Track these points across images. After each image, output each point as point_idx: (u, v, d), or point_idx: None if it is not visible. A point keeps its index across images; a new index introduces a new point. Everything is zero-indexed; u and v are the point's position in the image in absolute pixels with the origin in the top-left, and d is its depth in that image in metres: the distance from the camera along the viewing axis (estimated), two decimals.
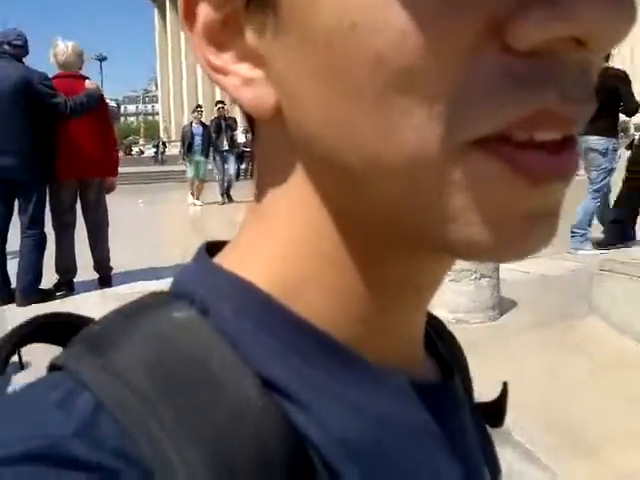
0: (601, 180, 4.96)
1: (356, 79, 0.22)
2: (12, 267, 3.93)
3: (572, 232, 4.97)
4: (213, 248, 0.31)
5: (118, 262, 4.53)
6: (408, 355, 0.30)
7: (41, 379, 0.24)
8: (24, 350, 0.29)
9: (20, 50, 3.90)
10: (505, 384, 0.38)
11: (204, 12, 0.25)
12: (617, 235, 5.09)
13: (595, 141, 4.78)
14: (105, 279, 4.35)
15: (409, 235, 0.24)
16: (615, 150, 4.94)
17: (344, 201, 0.25)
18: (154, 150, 31.13)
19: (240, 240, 0.29)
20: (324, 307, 0.27)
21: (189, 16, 0.25)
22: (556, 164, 0.22)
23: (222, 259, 0.29)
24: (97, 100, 4.03)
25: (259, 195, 0.29)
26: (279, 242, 0.27)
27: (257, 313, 0.26)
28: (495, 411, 0.37)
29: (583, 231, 5.01)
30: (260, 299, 0.27)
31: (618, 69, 4.90)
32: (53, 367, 0.25)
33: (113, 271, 4.44)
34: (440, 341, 0.36)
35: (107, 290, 4.12)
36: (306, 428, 0.24)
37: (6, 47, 3.83)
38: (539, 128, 0.22)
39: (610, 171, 4.96)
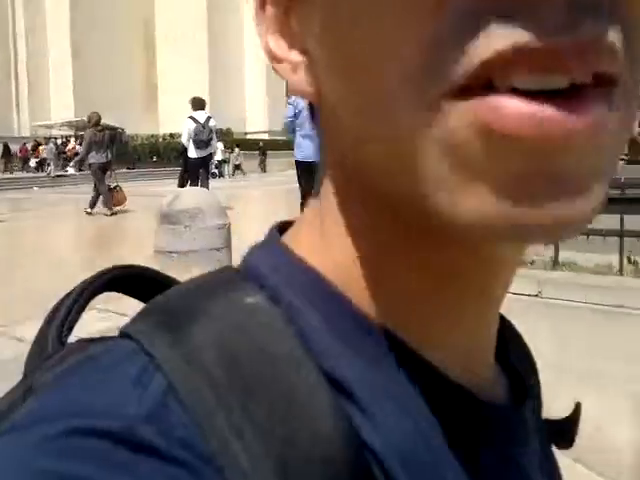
0: None
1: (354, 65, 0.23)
2: None
3: None
4: (282, 228, 0.31)
5: None
6: (476, 367, 0.29)
7: (116, 345, 0.25)
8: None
9: None
10: (578, 404, 0.36)
11: (270, 3, 0.27)
12: None
13: None
14: None
15: (418, 215, 0.23)
16: None
17: (377, 191, 0.25)
18: None
19: (303, 225, 0.30)
20: (383, 305, 0.27)
21: (261, 7, 0.28)
22: (554, 116, 0.19)
23: (291, 242, 0.29)
24: None
25: (321, 183, 0.29)
26: (334, 234, 0.28)
27: (326, 307, 0.26)
28: (565, 431, 0.35)
29: None
30: (330, 293, 0.27)
31: None
32: (125, 334, 0.25)
33: None
34: (511, 348, 0.34)
35: None
36: (368, 434, 0.24)
37: None
38: (519, 70, 0.19)
39: None
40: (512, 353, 0.34)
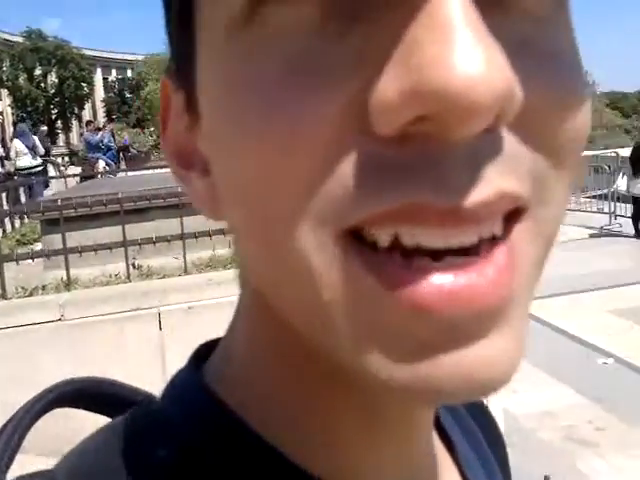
0: None
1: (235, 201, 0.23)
2: None
3: None
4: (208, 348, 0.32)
5: None
6: None
7: None
8: None
9: None
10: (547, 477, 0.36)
11: (170, 124, 0.28)
12: None
13: None
14: None
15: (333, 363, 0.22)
16: None
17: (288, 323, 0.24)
18: None
19: (226, 353, 0.30)
20: (291, 436, 0.27)
21: (163, 129, 0.28)
22: (447, 289, 0.18)
23: (210, 368, 0.30)
24: None
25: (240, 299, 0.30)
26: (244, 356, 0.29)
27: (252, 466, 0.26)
28: None
29: None
30: (255, 448, 0.26)
31: None
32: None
33: None
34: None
35: None
36: None
37: None
38: (421, 225, 0.19)
39: None
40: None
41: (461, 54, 0.17)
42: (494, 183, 0.19)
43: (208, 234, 3.46)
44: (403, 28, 0.18)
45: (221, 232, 3.29)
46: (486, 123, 0.18)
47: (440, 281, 0.19)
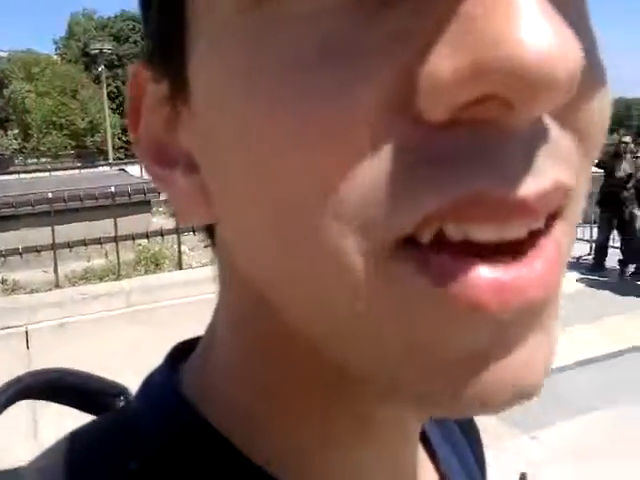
0: None
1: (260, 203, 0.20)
2: None
3: None
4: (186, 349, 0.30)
5: None
6: None
7: None
8: None
9: None
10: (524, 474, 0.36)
11: (145, 117, 0.25)
12: None
13: None
14: None
15: (340, 375, 0.21)
16: None
17: (279, 326, 0.22)
18: None
19: (203, 346, 0.29)
20: (269, 441, 0.25)
21: (133, 126, 0.25)
22: (502, 284, 0.17)
23: (188, 372, 0.28)
24: None
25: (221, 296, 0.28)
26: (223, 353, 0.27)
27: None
28: None
29: None
30: (229, 456, 0.25)
31: None
32: None
33: None
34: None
35: None
36: None
37: None
38: (473, 220, 0.17)
39: None
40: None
41: (530, 27, 0.15)
42: (550, 173, 0.17)
43: (83, 243, 3.24)
44: (455, 2, 0.16)
45: (98, 242, 3.09)
46: (557, 102, 0.16)
47: (493, 275, 0.17)
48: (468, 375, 0.18)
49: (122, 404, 0.32)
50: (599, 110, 0.19)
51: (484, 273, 0.17)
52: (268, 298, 0.22)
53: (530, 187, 0.17)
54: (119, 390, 0.33)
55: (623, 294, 5.12)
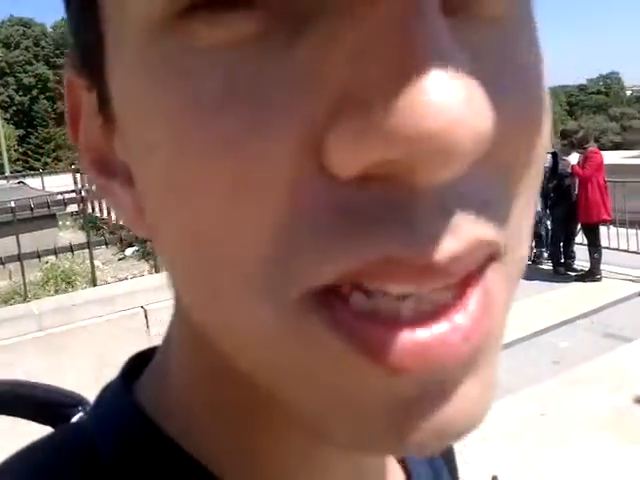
0: None
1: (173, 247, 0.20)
2: None
3: None
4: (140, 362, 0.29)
5: None
6: None
7: None
8: None
9: None
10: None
11: (83, 125, 0.24)
12: None
13: None
14: None
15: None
16: None
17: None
18: None
19: (158, 361, 0.28)
20: (222, 465, 0.24)
21: (73, 133, 0.24)
22: (419, 346, 0.17)
23: (143, 386, 0.28)
24: None
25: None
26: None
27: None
28: None
29: None
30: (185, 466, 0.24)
31: None
32: None
33: None
34: None
35: None
36: None
37: None
38: (387, 279, 0.17)
39: None
40: None
41: (434, 88, 0.14)
42: (467, 232, 0.17)
43: None
44: (356, 48, 0.15)
45: None
46: (462, 168, 0.15)
47: (411, 338, 0.17)
48: (392, 427, 0.18)
49: (80, 414, 0.32)
50: (532, 151, 0.18)
51: (406, 337, 0.17)
52: (200, 328, 0.22)
53: (443, 250, 0.16)
54: (76, 400, 0.32)
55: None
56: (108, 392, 0.28)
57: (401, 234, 0.16)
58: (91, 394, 0.31)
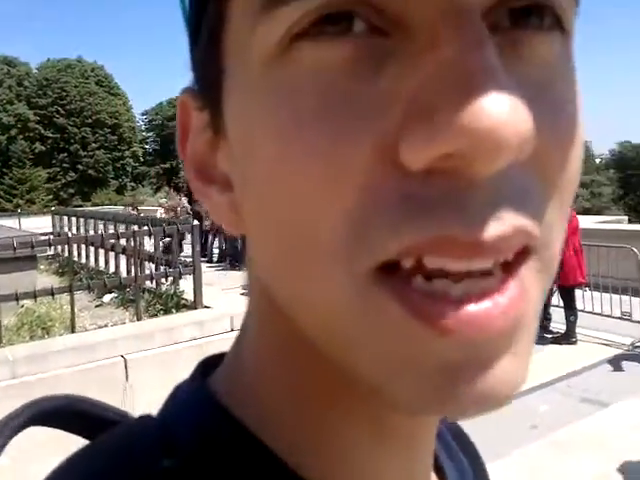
0: None
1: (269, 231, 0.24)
2: None
3: None
4: (214, 362, 0.32)
5: None
6: None
7: None
8: None
9: None
10: None
11: (191, 140, 0.28)
12: None
13: None
14: None
15: (350, 379, 0.23)
16: None
17: (296, 332, 0.25)
18: None
19: (234, 365, 0.30)
20: (295, 447, 0.27)
21: (182, 145, 0.29)
22: (467, 315, 0.20)
23: (221, 386, 0.29)
24: None
25: (250, 309, 0.30)
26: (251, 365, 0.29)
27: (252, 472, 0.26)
28: None
29: None
30: (258, 456, 0.26)
31: None
32: None
33: None
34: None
35: None
36: None
37: None
38: (445, 254, 0.20)
39: None
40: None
41: (487, 99, 0.19)
42: (511, 219, 0.20)
43: None
44: (430, 74, 0.20)
45: None
46: (508, 161, 0.20)
47: (460, 309, 0.20)
48: (446, 384, 0.21)
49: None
50: (567, 162, 0.22)
51: (453, 308, 0.20)
52: (282, 306, 0.25)
53: (490, 231, 0.20)
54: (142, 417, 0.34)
55: None
56: (180, 390, 0.30)
57: (457, 217, 0.20)
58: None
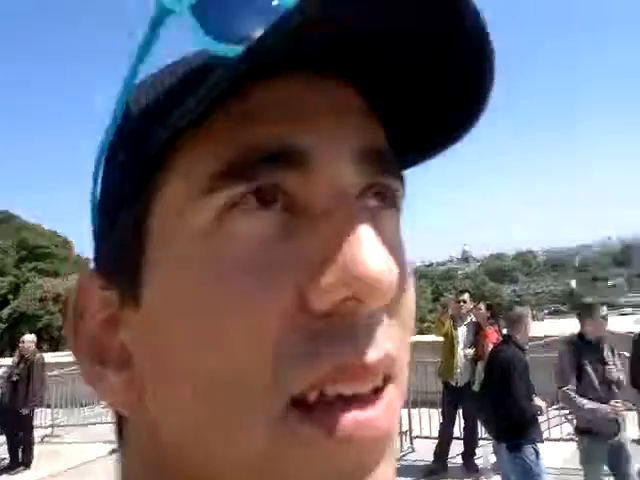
0: None
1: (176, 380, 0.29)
2: None
3: None
4: None
5: None
6: None
7: None
8: None
9: None
10: None
11: (87, 320, 0.32)
12: None
13: None
14: None
15: None
16: None
17: None
18: None
19: None
20: None
21: (74, 324, 0.33)
22: (364, 418, 0.27)
23: None
24: None
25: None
26: None
27: None
28: None
29: None
30: None
31: None
32: None
33: None
34: None
35: None
36: None
37: None
38: (341, 381, 0.27)
39: None
40: None
41: (371, 256, 0.27)
42: (382, 346, 0.28)
43: None
44: (328, 238, 0.28)
45: None
46: (385, 299, 0.28)
47: (354, 416, 0.27)
48: None
49: None
50: (405, 300, 0.31)
51: (350, 416, 0.27)
52: (191, 467, 0.30)
53: (372, 355, 0.27)
54: None
55: None
56: None
57: (350, 348, 0.27)
58: None
